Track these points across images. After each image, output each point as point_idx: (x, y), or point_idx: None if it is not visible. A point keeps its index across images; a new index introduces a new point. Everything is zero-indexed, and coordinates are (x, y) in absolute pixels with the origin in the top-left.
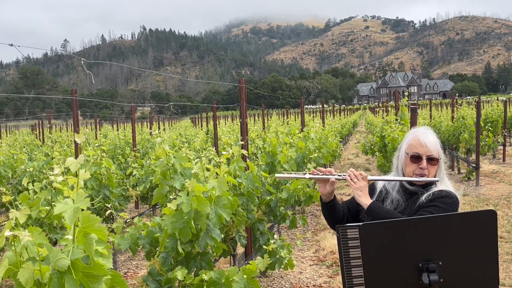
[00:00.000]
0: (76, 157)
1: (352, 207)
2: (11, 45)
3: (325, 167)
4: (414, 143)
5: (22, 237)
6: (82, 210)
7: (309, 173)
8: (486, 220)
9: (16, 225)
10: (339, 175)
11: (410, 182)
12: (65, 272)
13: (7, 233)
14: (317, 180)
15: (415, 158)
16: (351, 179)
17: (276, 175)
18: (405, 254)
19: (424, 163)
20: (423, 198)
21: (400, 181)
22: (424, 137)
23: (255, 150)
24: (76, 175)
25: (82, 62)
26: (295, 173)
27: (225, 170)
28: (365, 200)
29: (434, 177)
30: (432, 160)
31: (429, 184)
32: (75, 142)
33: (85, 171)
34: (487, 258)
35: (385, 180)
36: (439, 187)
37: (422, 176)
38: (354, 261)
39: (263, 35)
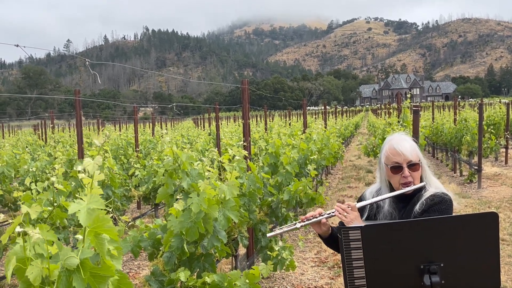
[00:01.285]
0: (79, 157)
1: None
2: (17, 45)
3: (327, 168)
4: (391, 154)
5: (33, 234)
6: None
7: (299, 222)
8: (488, 223)
9: (24, 222)
10: (328, 214)
11: (400, 195)
12: (73, 271)
13: (18, 229)
14: (310, 224)
15: (396, 168)
16: (340, 214)
17: (268, 234)
18: (407, 256)
19: (406, 171)
20: (417, 207)
21: (389, 198)
22: (399, 145)
23: (257, 151)
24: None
25: (87, 62)
26: (286, 226)
27: (236, 174)
28: None
29: (421, 181)
30: (413, 166)
31: (419, 191)
32: (78, 142)
33: (100, 173)
34: (489, 261)
35: (374, 202)
36: (430, 190)
37: (407, 185)
38: (356, 262)
39: (266, 36)
